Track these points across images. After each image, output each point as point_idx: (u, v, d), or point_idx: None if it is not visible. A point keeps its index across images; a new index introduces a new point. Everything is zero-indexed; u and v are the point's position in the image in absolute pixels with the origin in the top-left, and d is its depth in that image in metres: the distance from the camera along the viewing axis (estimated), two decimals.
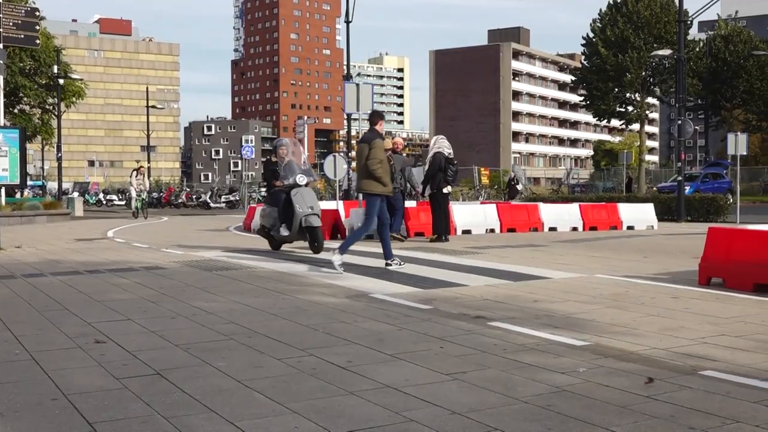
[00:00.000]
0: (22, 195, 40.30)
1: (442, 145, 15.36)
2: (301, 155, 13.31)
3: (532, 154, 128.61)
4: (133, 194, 29.01)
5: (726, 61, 59.92)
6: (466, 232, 17.52)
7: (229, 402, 4.17)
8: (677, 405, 4.06)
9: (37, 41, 32.42)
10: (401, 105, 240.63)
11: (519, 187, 43.82)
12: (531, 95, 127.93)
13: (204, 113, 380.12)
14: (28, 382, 4.62)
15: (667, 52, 36.33)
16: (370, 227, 10.36)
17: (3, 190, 26.24)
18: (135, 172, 28.94)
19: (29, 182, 53.01)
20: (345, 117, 22.82)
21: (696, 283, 8.64)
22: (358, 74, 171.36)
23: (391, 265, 10.20)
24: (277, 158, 12.87)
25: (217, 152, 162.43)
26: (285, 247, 13.34)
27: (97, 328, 6.30)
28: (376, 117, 10.85)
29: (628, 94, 57.41)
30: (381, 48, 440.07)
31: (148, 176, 29.02)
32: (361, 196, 12.86)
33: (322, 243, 12.25)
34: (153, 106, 56.51)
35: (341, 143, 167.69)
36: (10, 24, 30.17)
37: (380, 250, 10.38)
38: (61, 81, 38.20)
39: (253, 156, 53.65)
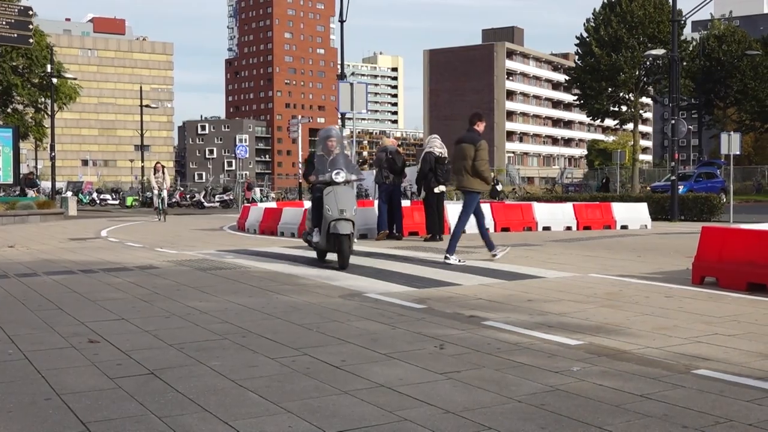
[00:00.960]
0: (37, 192, 40.04)
1: (433, 144, 15.36)
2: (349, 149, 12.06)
3: (526, 153, 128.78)
4: (155, 193, 26.77)
5: (720, 60, 60.08)
6: None
7: (223, 401, 4.17)
8: (670, 404, 4.07)
9: (31, 40, 32.37)
10: (395, 104, 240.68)
11: (499, 187, 44.18)
12: (525, 95, 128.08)
13: (198, 112, 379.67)
14: (21, 382, 4.61)
15: (660, 51, 36.41)
16: (467, 220, 10.92)
17: None
18: (153, 170, 26.90)
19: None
20: (339, 116, 22.76)
21: (689, 283, 8.65)
22: (353, 73, 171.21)
23: (449, 260, 10.56)
24: (322, 152, 10.59)
25: (211, 151, 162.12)
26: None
27: (91, 327, 6.28)
28: (475, 117, 11.05)
29: (621, 94, 57.51)
30: (375, 47, 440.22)
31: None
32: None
33: (347, 256, 9.96)
34: (147, 106, 56.36)
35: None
36: (3, 23, 30.13)
37: (374, 250, 10.37)
38: (55, 80, 38.10)
39: (247, 155, 53.59)
